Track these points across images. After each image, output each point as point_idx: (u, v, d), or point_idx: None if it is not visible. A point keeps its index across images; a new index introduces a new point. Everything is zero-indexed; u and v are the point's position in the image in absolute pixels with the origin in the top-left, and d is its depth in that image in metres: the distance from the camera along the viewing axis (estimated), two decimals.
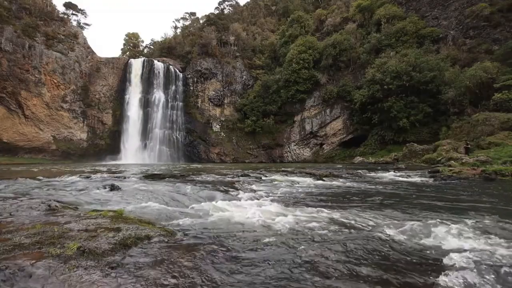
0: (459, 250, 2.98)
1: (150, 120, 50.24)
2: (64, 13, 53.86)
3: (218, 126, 52.64)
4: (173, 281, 2.17)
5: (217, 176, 12.26)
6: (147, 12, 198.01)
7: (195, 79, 54.26)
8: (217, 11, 71.64)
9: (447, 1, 39.60)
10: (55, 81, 45.47)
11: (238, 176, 12.38)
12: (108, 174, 13.52)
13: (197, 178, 11.44)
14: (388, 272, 2.50)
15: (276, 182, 10.40)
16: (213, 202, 6.07)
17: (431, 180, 11.66)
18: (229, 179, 11.06)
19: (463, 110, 30.52)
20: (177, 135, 51.78)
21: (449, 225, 4.11)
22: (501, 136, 22.01)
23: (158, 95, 51.56)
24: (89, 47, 51.31)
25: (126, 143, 49.36)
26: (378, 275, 2.43)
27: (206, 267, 2.49)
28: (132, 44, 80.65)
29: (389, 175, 14.08)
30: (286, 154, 49.33)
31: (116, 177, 11.82)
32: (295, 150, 48.72)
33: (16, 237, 2.72)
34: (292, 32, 54.06)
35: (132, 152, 48.63)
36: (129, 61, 54.14)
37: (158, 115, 50.56)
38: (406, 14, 43.84)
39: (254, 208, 5.55)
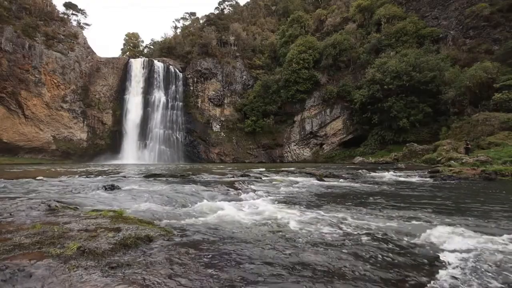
0: (458, 250, 2.98)
1: (150, 120, 50.25)
2: (64, 13, 53.87)
3: (218, 126, 52.65)
4: (173, 280, 2.17)
5: (217, 176, 12.27)
6: (147, 9, 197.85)
7: (195, 79, 54.27)
8: (217, 11, 71.63)
9: (447, 1, 39.60)
10: (55, 81, 45.47)
11: (238, 176, 12.39)
12: (108, 174, 13.53)
13: (197, 178, 11.44)
14: (387, 271, 2.51)
15: (276, 182, 10.40)
16: (213, 202, 6.08)
17: (431, 180, 11.67)
18: (229, 179, 11.06)
19: (463, 110, 30.52)
20: (177, 135, 51.79)
21: (449, 224, 4.11)
22: (501, 136, 22.01)
23: (158, 95, 51.57)
24: (89, 47, 51.32)
25: (126, 143, 49.39)
26: (377, 275, 2.43)
27: (206, 266, 2.49)
28: (132, 44, 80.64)
29: (389, 175, 14.09)
30: (286, 154, 49.33)
31: (116, 177, 11.83)
32: (295, 150, 48.71)
33: (16, 237, 2.72)
34: (292, 32, 54.06)
35: (132, 152, 48.64)
36: (129, 61, 54.17)
37: (158, 115, 50.59)
38: (406, 14, 43.86)
39: (254, 208, 5.55)
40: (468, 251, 2.95)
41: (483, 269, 2.50)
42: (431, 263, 2.74)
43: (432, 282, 2.34)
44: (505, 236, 3.43)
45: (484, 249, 2.99)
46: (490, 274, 2.42)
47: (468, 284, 2.27)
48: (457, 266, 2.59)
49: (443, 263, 2.69)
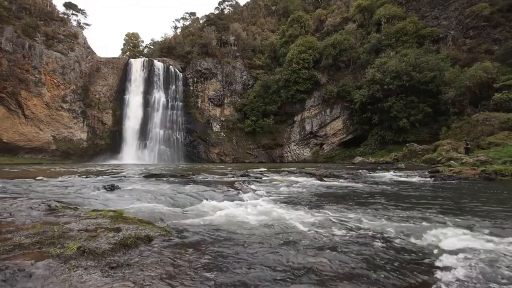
0: (458, 250, 2.97)
1: (150, 120, 50.24)
2: (64, 13, 53.87)
3: (218, 126, 52.64)
4: (173, 280, 2.17)
5: (217, 176, 12.27)
6: (147, 9, 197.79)
7: (195, 79, 54.26)
8: (217, 11, 71.63)
9: (447, 1, 39.59)
10: (55, 81, 45.47)
11: (238, 176, 12.39)
12: (108, 174, 13.53)
13: (197, 178, 11.44)
14: (387, 272, 2.50)
15: (276, 182, 10.40)
16: (213, 202, 6.07)
17: (431, 180, 11.66)
18: (228, 179, 11.06)
19: (463, 110, 30.52)
20: (177, 135, 51.79)
21: (449, 225, 4.11)
22: (501, 136, 22.01)
23: (158, 95, 51.57)
24: (89, 47, 51.31)
25: (126, 143, 49.37)
26: (377, 275, 2.43)
27: (205, 268, 2.48)
28: (132, 44, 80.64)
29: (390, 175, 14.09)
30: (286, 154, 49.32)
31: (116, 177, 11.83)
32: (295, 150, 48.71)
33: (16, 237, 2.72)
34: (292, 32, 54.06)
35: (132, 152, 48.63)
36: (129, 61, 54.15)
37: (158, 115, 50.58)
38: (406, 14, 43.85)
39: (254, 208, 5.55)
40: (467, 251, 2.94)
41: (493, 272, 2.47)
42: (431, 263, 2.73)
43: (431, 282, 2.34)
44: (504, 236, 3.42)
45: (494, 252, 2.95)
46: (488, 273, 2.42)
47: (467, 284, 2.26)
48: (456, 266, 2.58)
49: (443, 263, 2.69)
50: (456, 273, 2.45)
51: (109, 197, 6.22)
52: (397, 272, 2.51)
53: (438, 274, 2.46)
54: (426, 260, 2.80)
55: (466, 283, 2.29)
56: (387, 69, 36.33)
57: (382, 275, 2.42)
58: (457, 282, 2.31)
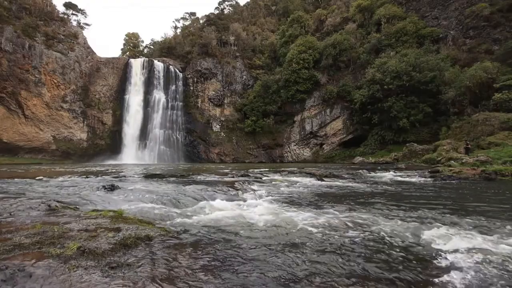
0: (458, 250, 2.96)
1: (150, 120, 50.22)
2: (64, 13, 53.86)
3: (218, 126, 52.64)
4: (173, 281, 2.16)
5: (217, 176, 12.26)
6: (147, 9, 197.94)
7: (195, 79, 54.25)
8: (217, 11, 71.62)
9: (447, 1, 39.59)
10: (55, 81, 45.46)
11: (238, 176, 12.38)
12: (108, 174, 13.52)
13: (197, 178, 11.43)
14: (387, 271, 2.50)
15: (276, 182, 10.39)
16: (213, 202, 6.07)
17: (431, 180, 11.66)
18: (229, 179, 11.06)
19: (463, 110, 30.51)
20: (177, 135, 51.78)
21: (449, 225, 4.10)
22: (501, 136, 22.00)
23: (158, 95, 51.56)
24: (89, 47, 51.30)
25: (126, 143, 49.36)
26: (378, 275, 2.42)
27: (206, 266, 2.48)
28: (132, 44, 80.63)
29: (390, 175, 14.08)
30: (286, 154, 49.32)
31: (116, 177, 11.82)
32: (295, 150, 48.70)
33: (16, 237, 2.72)
34: (292, 32, 54.06)
35: (132, 152, 48.62)
36: (129, 61, 54.13)
37: (158, 115, 50.57)
38: (406, 14, 43.85)
39: (254, 208, 5.54)
40: (467, 251, 2.93)
41: (481, 268, 2.47)
42: (431, 262, 2.72)
43: (432, 282, 2.33)
44: (504, 236, 3.41)
45: (484, 249, 2.96)
46: (488, 273, 2.41)
47: (467, 284, 2.25)
48: (456, 266, 2.57)
49: (443, 263, 2.68)
50: (469, 276, 2.40)
51: (109, 197, 6.21)
52: (406, 275, 2.49)
53: (450, 276, 2.43)
54: (437, 262, 2.77)
55: (481, 285, 2.26)
56: (387, 69, 36.32)
57: (393, 279, 2.40)
58: (471, 284, 2.28)
